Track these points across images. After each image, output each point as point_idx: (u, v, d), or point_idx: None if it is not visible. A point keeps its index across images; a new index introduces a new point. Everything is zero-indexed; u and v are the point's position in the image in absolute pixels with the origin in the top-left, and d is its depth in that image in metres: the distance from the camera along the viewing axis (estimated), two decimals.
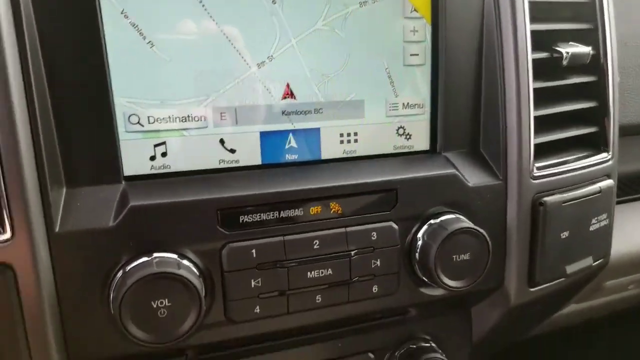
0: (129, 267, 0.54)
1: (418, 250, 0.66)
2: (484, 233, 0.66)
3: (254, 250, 0.59)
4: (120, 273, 0.54)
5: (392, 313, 0.75)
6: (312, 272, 0.61)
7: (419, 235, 0.66)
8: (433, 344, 0.79)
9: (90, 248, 0.54)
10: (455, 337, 0.83)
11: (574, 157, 0.76)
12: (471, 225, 0.66)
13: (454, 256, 0.66)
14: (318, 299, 0.63)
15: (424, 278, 0.68)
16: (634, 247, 0.96)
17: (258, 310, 0.60)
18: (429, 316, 0.79)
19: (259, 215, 0.59)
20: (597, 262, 0.80)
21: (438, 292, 0.70)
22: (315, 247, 0.61)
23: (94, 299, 0.55)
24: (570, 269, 0.76)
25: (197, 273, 0.56)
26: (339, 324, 0.72)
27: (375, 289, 0.66)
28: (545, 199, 0.72)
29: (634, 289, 1.16)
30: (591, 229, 0.77)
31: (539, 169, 0.72)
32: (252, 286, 0.59)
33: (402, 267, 0.67)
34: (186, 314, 0.55)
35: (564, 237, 0.74)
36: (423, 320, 0.79)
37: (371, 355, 0.76)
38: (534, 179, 0.72)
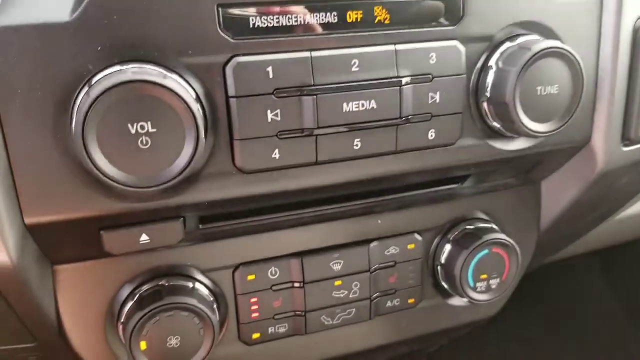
0: (95, 79, 0.38)
1: (490, 80, 0.49)
2: (577, 56, 0.49)
3: (270, 69, 0.42)
4: (85, 88, 0.38)
5: (447, 177, 0.58)
6: (349, 105, 0.45)
7: (493, 59, 0.49)
8: (493, 225, 0.63)
9: (40, 51, 0.37)
10: (519, 220, 0.67)
11: None
12: (561, 45, 0.48)
13: (538, 88, 0.49)
14: (356, 144, 0.47)
15: (494, 124, 0.51)
16: None
17: (277, 156, 0.44)
18: (488, 190, 0.63)
19: (277, 19, 0.42)
20: None
21: (511, 145, 0.54)
22: (353, 68, 0.45)
23: (48, 128, 0.39)
24: None
25: (193, 95, 0.40)
26: (378, 192, 0.57)
27: (431, 134, 0.49)
28: None
29: None
30: None
31: None
32: (269, 120, 0.43)
33: (468, 107, 0.50)
34: (178, 146, 0.39)
35: None
36: (481, 195, 0.63)
37: (418, 236, 0.61)
38: None
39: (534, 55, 0.47)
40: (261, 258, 0.55)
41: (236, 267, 0.54)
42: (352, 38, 0.44)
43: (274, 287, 0.56)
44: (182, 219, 0.46)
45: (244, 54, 0.42)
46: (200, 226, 0.50)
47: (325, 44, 0.44)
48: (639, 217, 0.91)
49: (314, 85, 0.43)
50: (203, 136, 0.39)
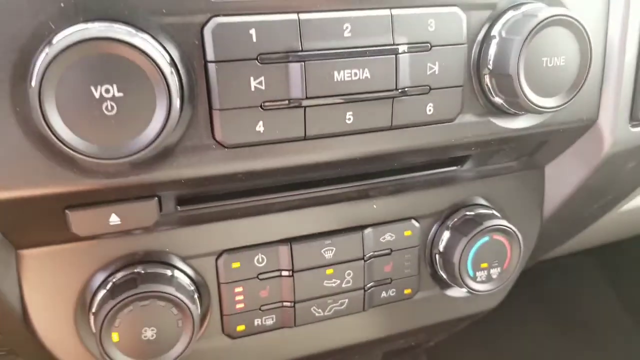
0: (57, 37, 0.34)
1: (493, 51, 0.45)
2: (585, 25, 0.45)
3: (253, 31, 0.38)
4: (45, 49, 0.34)
5: (447, 159, 0.55)
6: (341, 74, 0.41)
7: (496, 28, 0.46)
8: (495, 211, 0.60)
9: None
10: (522, 206, 0.63)
11: None
12: (568, 12, 0.45)
13: (544, 59, 0.45)
14: (348, 118, 0.43)
15: (497, 99, 0.47)
16: None
17: (261, 129, 0.40)
18: (489, 174, 0.60)
19: None
20: None
21: (515, 123, 0.50)
22: (346, 33, 0.41)
23: (5, 95, 0.35)
24: None
25: (167, 58, 0.36)
26: (373, 174, 0.53)
27: (429, 109, 0.45)
28: None
29: None
30: None
31: None
32: (252, 88, 0.39)
33: (470, 80, 0.47)
34: (148, 114, 0.35)
35: None
36: (482, 179, 0.59)
37: (415, 223, 0.57)
38: None
39: (540, 22, 0.43)
40: (247, 244, 0.51)
41: (219, 254, 0.50)
42: (345, 0, 0.40)
43: (260, 276, 0.52)
44: (156, 198, 0.42)
45: (224, 14, 0.38)
46: (179, 208, 0.46)
47: (315, 5, 0.40)
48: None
49: (302, 50, 0.40)
50: (177, 104, 0.35)
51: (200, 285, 0.51)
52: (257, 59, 0.39)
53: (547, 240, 0.75)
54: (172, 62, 0.36)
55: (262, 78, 0.39)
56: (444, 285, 0.63)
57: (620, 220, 0.90)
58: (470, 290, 0.59)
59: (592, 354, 1.47)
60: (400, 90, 0.43)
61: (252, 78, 0.39)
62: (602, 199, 0.70)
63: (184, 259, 0.49)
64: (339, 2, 0.40)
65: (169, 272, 0.48)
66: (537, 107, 0.46)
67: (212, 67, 0.38)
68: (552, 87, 0.46)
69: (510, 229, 0.57)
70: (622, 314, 1.60)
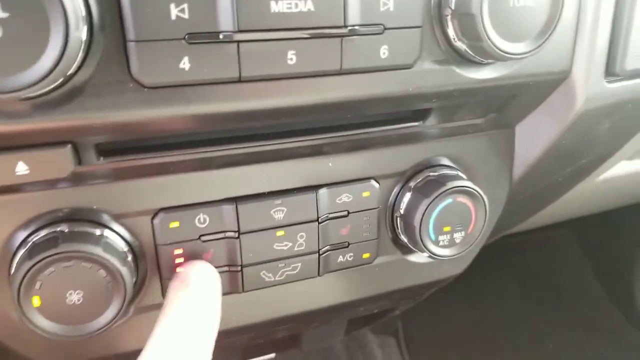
0: None
1: None
2: None
3: None
4: None
5: (407, 113, 0.50)
6: (279, 3, 0.36)
7: None
8: (460, 172, 0.56)
9: None
10: (489, 167, 0.59)
11: None
12: None
13: None
14: (290, 58, 0.38)
15: (459, 44, 0.43)
16: None
17: (186, 66, 0.35)
18: (455, 132, 0.56)
19: None
20: None
21: (480, 73, 0.46)
22: None
23: None
24: None
25: None
26: (329, 128, 0.48)
27: (384, 51, 0.41)
28: None
29: None
30: None
31: None
32: (173, 17, 0.34)
33: (430, 21, 0.42)
34: (41, 40, 0.30)
35: None
36: (447, 138, 0.55)
37: (375, 183, 0.53)
38: None
39: None
40: (187, 203, 0.46)
41: (155, 213, 0.46)
42: None
43: (202, 237, 0.47)
44: (70, 145, 0.37)
45: None
46: (102, 159, 0.41)
47: None
48: (618, 180, 0.85)
49: None
50: (76, 29, 0.30)
51: (135, 248, 0.46)
52: None
53: (519, 208, 0.72)
54: None
55: (185, 5, 0.34)
56: (405, 250, 0.59)
57: (598, 191, 0.87)
58: (432, 255, 0.55)
59: (566, 322, 1.47)
60: (349, 29, 0.38)
61: (172, 4, 0.34)
62: (575, 163, 0.66)
63: (116, 218, 0.45)
64: None
65: (97, 232, 0.43)
66: (502, 53, 0.41)
67: None
68: (519, 31, 0.42)
69: (476, 190, 0.54)
70: (597, 284, 1.60)
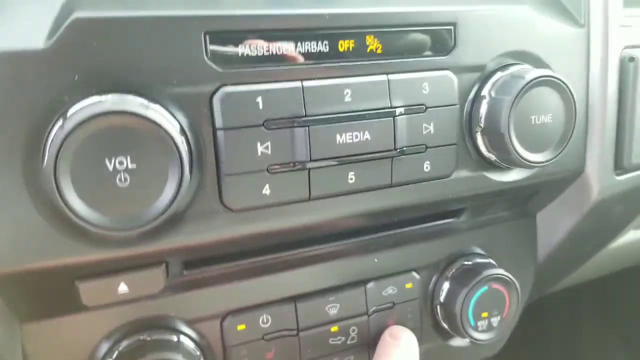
0: (71, 111, 0.35)
1: (484, 110, 0.48)
2: (569, 84, 0.48)
3: (260, 99, 0.40)
4: (59, 122, 0.35)
5: (444, 212, 0.56)
6: (343, 136, 0.43)
7: (486, 89, 0.48)
8: (491, 260, 0.61)
9: (11, 82, 0.34)
10: (517, 253, 0.65)
11: None
12: (553, 73, 0.48)
13: (532, 117, 0.48)
14: (351, 178, 0.44)
15: (489, 155, 0.50)
16: None
17: (268, 192, 0.42)
18: (484, 224, 0.61)
19: (267, 47, 0.40)
20: None
21: (507, 176, 0.52)
22: (346, 98, 0.43)
23: (17, 167, 0.35)
24: None
25: (177, 127, 0.37)
26: (373, 229, 0.54)
27: (427, 166, 0.47)
28: (638, 54, 0.55)
29: None
30: None
31: (629, 16, 0.55)
32: (259, 153, 0.41)
33: (462, 138, 0.49)
34: (160, 183, 0.36)
35: None
36: (477, 229, 0.61)
37: (416, 274, 0.58)
38: (623, 27, 0.54)
39: (527, 83, 0.46)
40: (251, 305, 0.51)
41: (224, 316, 0.50)
42: (345, 68, 0.43)
43: (266, 337, 0.51)
44: (164, 265, 0.42)
45: (232, 84, 0.39)
46: (185, 272, 0.47)
47: (317, 73, 0.42)
48: (631, 245, 0.90)
49: (305, 116, 0.41)
50: (188, 172, 0.36)
51: (205, 349, 0.50)
52: (263, 125, 0.40)
53: (542, 282, 0.76)
54: (182, 130, 0.38)
55: (269, 143, 0.40)
56: (446, 335, 0.63)
57: (611, 256, 0.92)
58: (473, 340, 0.59)
59: None
60: (398, 150, 0.45)
61: (259, 143, 0.40)
62: (592, 241, 0.72)
63: (189, 323, 0.49)
64: (339, 69, 0.43)
65: (174, 338, 0.47)
66: (528, 162, 0.48)
67: (220, 134, 0.39)
68: (541, 143, 0.49)
69: (508, 277, 0.59)
70: (616, 341, 1.59)
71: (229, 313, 0.50)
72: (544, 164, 0.49)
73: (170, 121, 0.36)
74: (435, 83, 0.46)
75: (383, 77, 0.44)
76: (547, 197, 0.61)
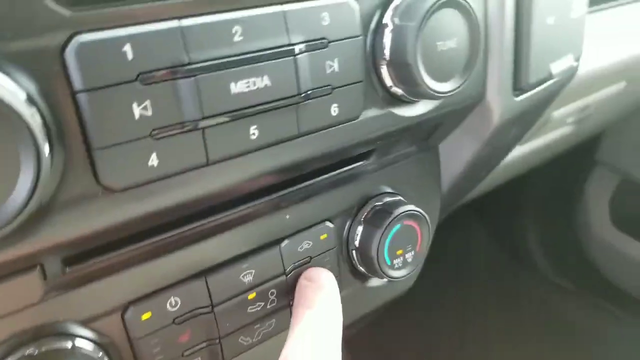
0: None
1: (388, 40, 0.43)
2: (471, 3, 0.45)
3: (128, 47, 0.31)
4: None
5: (354, 156, 0.52)
6: (238, 84, 0.36)
7: (387, 17, 0.44)
8: (401, 197, 0.59)
9: None
10: (423, 187, 0.64)
11: None
12: None
13: (438, 43, 0.44)
14: (253, 133, 0.38)
15: (396, 89, 0.46)
16: (592, 66, 0.83)
17: (155, 162, 0.34)
18: (390, 162, 0.59)
19: None
20: (576, 63, 0.64)
21: (414, 110, 0.49)
22: (236, 38, 0.36)
23: None
24: (555, 67, 0.60)
25: (22, 96, 0.28)
26: (281, 185, 0.49)
27: (334, 109, 0.42)
28: None
29: (571, 123, 1.07)
30: (572, 15, 0.60)
31: None
32: (137, 116, 0.33)
33: (368, 74, 0.44)
34: (12, 171, 0.27)
35: (550, 23, 0.57)
36: (384, 168, 0.58)
37: (330, 224, 0.54)
38: None
39: (432, 5, 0.42)
40: (154, 289, 0.44)
41: (125, 308, 0.43)
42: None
43: (177, 320, 0.45)
44: (38, 267, 0.34)
45: (88, 30, 0.30)
46: (68, 269, 0.38)
47: (197, 8, 0.34)
48: (515, 160, 0.96)
49: (189, 63, 0.34)
50: (46, 152, 0.28)
51: (108, 348, 0.43)
52: (137, 79, 0.32)
53: (444, 210, 0.78)
54: (30, 100, 0.29)
55: (148, 102, 0.33)
56: (363, 278, 0.62)
57: (496, 173, 0.97)
58: (391, 279, 0.58)
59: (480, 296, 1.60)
60: (303, 95, 0.39)
61: (135, 104, 0.32)
62: (488, 165, 0.74)
63: (84, 324, 0.41)
64: (224, 1, 0.35)
65: (68, 345, 0.39)
66: (436, 93, 0.45)
67: (82, 97, 0.31)
68: (447, 71, 0.46)
69: (419, 212, 0.57)
70: (502, 255, 1.76)
71: (130, 303, 0.43)
72: (452, 92, 0.46)
73: (10, 90, 0.27)
74: (336, 12, 0.40)
75: (278, 8, 0.37)
76: (450, 127, 0.60)
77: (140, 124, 0.33)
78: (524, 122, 0.66)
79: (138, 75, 0.32)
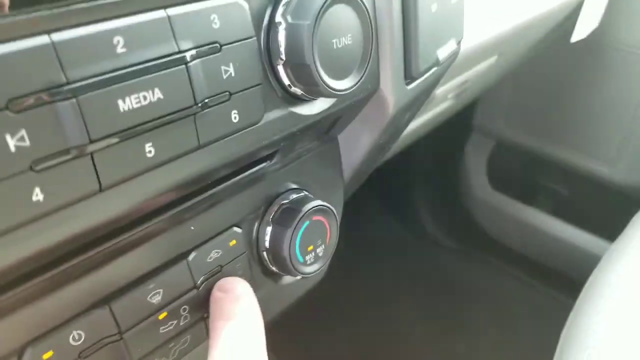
0: None
1: (282, 39, 0.42)
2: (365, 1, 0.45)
3: None
4: None
5: (257, 158, 0.51)
6: (127, 101, 0.33)
7: (279, 14, 0.42)
8: (307, 193, 0.59)
9: None
10: (326, 179, 0.64)
11: None
12: None
13: (334, 41, 0.44)
14: (149, 151, 0.35)
15: (295, 89, 0.45)
16: (470, 44, 0.88)
17: (40, 197, 0.30)
18: (293, 159, 0.58)
19: None
20: (458, 45, 0.68)
21: (314, 108, 0.49)
22: (119, 49, 0.32)
23: None
24: (441, 53, 0.62)
25: None
26: (183, 197, 0.46)
27: (235, 116, 0.40)
28: None
29: (451, 98, 1.14)
30: (453, 0, 0.63)
31: None
32: (12, 149, 0.28)
33: (265, 75, 0.43)
34: None
35: (434, 10, 0.59)
36: (288, 166, 0.58)
37: (238, 229, 0.53)
38: None
39: (325, 2, 0.42)
40: (54, 325, 0.40)
41: (22, 350, 0.38)
42: (108, 6, 0.32)
43: (83, 354, 0.41)
44: None
45: None
46: None
47: (70, 20, 0.30)
48: (403, 138, 1.00)
49: (68, 83, 0.30)
50: None
51: None
52: (7, 108, 0.28)
53: (345, 195, 0.79)
54: None
55: (23, 132, 0.28)
56: (276, 277, 0.61)
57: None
58: (304, 275, 0.58)
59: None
60: (200, 104, 0.37)
61: (8, 135, 0.28)
62: (384, 150, 0.76)
63: None
64: (101, 10, 0.31)
65: None
66: (335, 92, 0.45)
67: None
68: (344, 68, 0.46)
69: (326, 206, 0.58)
70: (397, 224, 1.85)
71: (28, 344, 0.38)
72: (350, 89, 0.47)
73: None
74: (225, 13, 0.38)
75: (161, 13, 0.34)
76: (348, 120, 0.60)
77: (17, 157, 0.28)
78: (415, 106, 0.68)
79: (8, 102, 0.28)
